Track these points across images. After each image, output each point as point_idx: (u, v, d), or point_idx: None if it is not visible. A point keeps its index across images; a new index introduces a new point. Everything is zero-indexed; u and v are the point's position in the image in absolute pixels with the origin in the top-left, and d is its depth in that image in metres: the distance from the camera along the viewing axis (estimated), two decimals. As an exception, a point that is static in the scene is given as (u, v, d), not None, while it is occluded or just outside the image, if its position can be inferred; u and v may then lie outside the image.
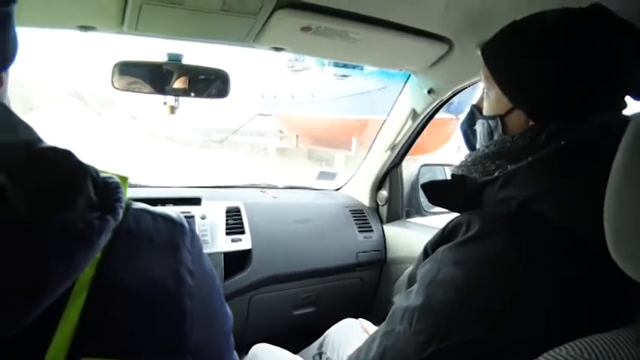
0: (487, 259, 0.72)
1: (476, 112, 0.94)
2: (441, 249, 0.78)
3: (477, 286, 0.71)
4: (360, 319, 1.58)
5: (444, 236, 0.80)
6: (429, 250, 0.84)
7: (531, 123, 0.81)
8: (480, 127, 0.91)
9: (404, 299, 0.80)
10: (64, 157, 0.48)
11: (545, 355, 0.54)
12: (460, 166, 0.90)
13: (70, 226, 0.44)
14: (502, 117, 0.85)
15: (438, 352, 0.70)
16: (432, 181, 0.92)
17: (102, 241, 0.46)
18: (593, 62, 0.76)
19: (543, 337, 0.62)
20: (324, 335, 1.50)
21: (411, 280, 0.88)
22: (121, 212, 0.49)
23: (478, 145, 0.91)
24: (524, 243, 0.71)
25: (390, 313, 0.82)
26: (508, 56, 0.84)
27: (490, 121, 0.88)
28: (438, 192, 0.92)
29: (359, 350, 0.86)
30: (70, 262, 0.43)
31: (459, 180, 0.88)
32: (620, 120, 0.76)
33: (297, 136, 18.71)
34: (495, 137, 0.86)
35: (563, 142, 0.74)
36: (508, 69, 0.84)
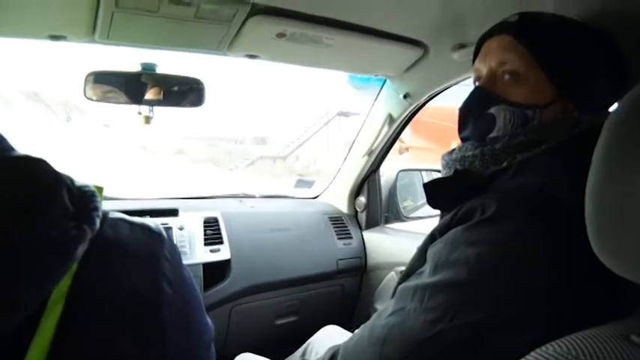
0: (501, 240, 0.71)
1: (491, 96, 0.88)
2: (453, 230, 0.77)
3: (490, 266, 0.70)
4: (336, 326, 1.58)
5: (455, 221, 0.78)
6: (436, 235, 0.82)
7: (571, 114, 0.83)
8: (507, 114, 0.86)
9: (415, 279, 0.79)
10: (37, 165, 0.47)
11: (532, 353, 0.54)
12: (488, 155, 0.86)
13: (45, 236, 0.42)
14: (543, 107, 0.84)
15: (444, 331, 0.69)
16: (435, 180, 0.91)
17: (79, 252, 0.44)
18: (622, 59, 0.85)
19: (552, 322, 0.63)
20: (307, 343, 1.49)
21: (408, 274, 0.87)
22: (97, 221, 0.48)
23: (497, 133, 0.87)
24: (541, 225, 0.71)
25: (397, 293, 0.81)
26: (563, 46, 0.83)
27: (527, 111, 0.84)
28: (439, 190, 0.90)
29: (363, 328, 0.84)
30: (45, 275, 0.41)
31: (463, 175, 0.86)
32: None
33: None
34: (529, 127, 0.84)
35: (577, 130, 0.78)
36: (563, 59, 0.83)
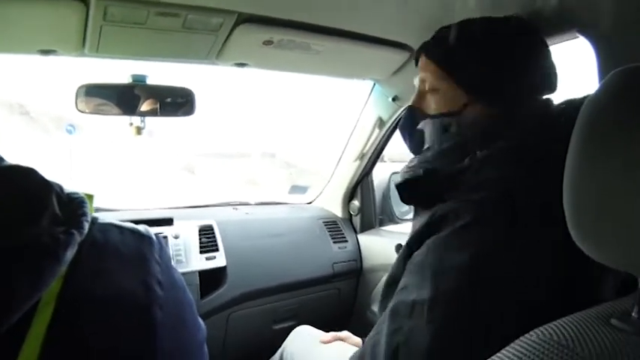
0: (489, 239, 0.74)
1: (418, 113, 0.98)
2: (434, 238, 0.80)
3: (486, 266, 0.73)
4: (307, 326, 1.61)
5: (431, 227, 0.81)
6: (412, 247, 0.84)
7: (490, 111, 0.88)
8: (429, 126, 0.94)
9: (403, 295, 0.80)
10: (27, 174, 0.48)
11: (517, 341, 0.55)
12: (424, 162, 0.92)
13: (36, 241, 0.44)
14: (458, 113, 0.90)
15: (454, 336, 0.71)
16: (405, 179, 0.94)
17: (68, 256, 0.45)
18: (531, 57, 0.89)
19: (548, 307, 0.64)
20: (281, 348, 1.52)
21: (391, 284, 0.89)
22: (86, 226, 0.49)
23: (429, 144, 0.94)
24: (519, 218, 0.74)
25: (389, 313, 0.81)
26: (467, 55, 0.89)
27: (444, 119, 0.91)
28: (412, 189, 0.94)
29: (360, 357, 0.86)
30: (36, 278, 0.43)
31: (431, 173, 0.90)
32: (549, 103, 0.91)
33: None
34: (449, 132, 0.90)
35: (521, 131, 0.82)
36: (469, 67, 0.88)
